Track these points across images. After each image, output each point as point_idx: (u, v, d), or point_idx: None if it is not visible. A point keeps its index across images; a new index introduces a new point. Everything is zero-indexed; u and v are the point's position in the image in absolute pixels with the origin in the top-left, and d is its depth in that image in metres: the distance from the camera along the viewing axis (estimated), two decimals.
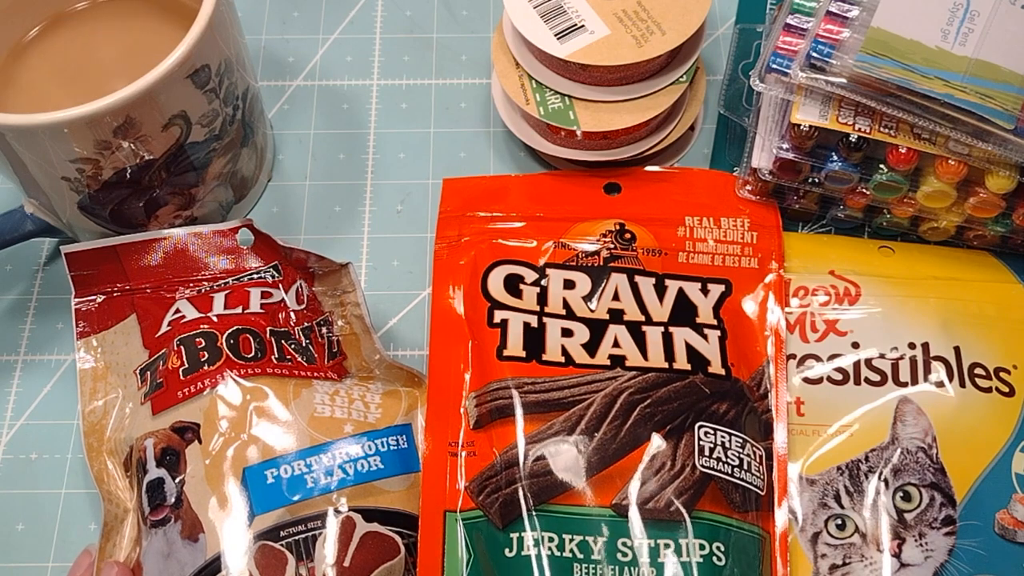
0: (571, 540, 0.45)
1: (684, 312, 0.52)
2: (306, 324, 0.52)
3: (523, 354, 0.50)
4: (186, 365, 0.49)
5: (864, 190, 0.52)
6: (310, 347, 0.51)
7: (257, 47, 0.64)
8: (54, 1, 0.55)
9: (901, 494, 0.48)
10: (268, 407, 0.48)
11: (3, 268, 0.58)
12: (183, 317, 0.51)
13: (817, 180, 0.52)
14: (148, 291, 0.53)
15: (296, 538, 0.45)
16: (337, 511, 0.46)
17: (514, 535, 0.46)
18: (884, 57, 0.49)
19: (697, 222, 0.55)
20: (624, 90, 0.54)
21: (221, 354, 0.49)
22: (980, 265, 0.55)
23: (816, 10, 0.52)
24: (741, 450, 0.48)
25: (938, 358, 0.51)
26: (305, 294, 0.53)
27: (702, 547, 0.45)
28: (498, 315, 0.51)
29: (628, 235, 0.54)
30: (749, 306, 0.53)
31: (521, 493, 0.46)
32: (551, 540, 0.45)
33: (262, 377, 0.49)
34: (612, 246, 0.54)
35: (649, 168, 0.58)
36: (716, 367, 0.50)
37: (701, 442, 0.48)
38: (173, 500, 0.46)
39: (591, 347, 0.50)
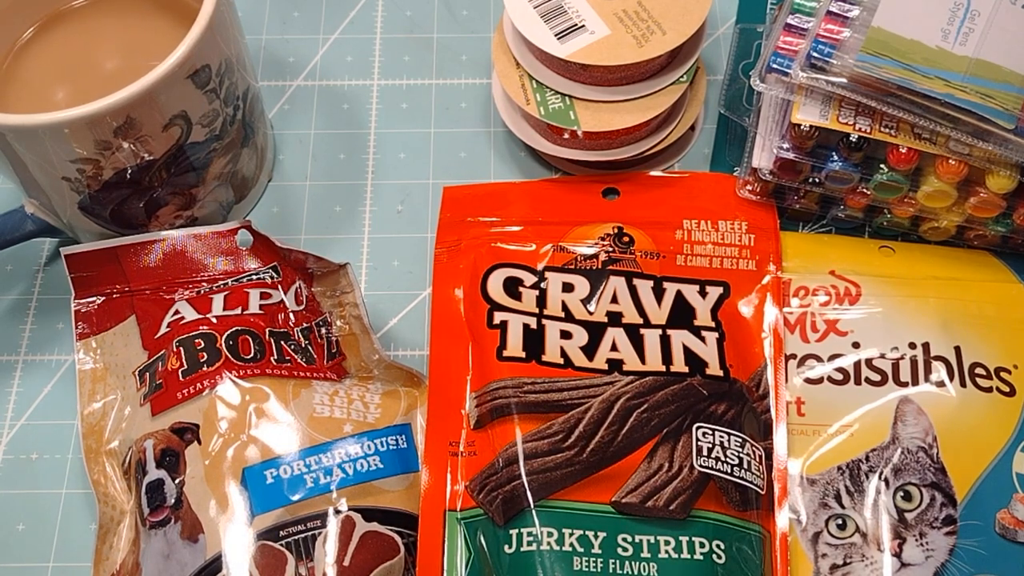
0: (571, 534, 0.45)
1: (682, 314, 0.52)
2: (305, 325, 0.52)
3: (523, 354, 0.50)
4: (185, 366, 0.49)
5: (864, 190, 0.52)
6: (309, 348, 0.51)
7: (257, 47, 0.64)
8: None
9: (902, 494, 0.48)
10: (267, 408, 0.48)
11: (3, 268, 0.58)
12: (182, 318, 0.51)
13: (817, 180, 0.52)
14: (147, 292, 0.53)
15: (296, 538, 0.45)
16: (337, 511, 0.46)
17: (513, 531, 0.46)
18: (884, 57, 0.49)
19: (695, 225, 0.55)
20: (624, 90, 0.54)
21: (220, 355, 0.49)
22: (980, 265, 0.55)
23: (816, 10, 0.52)
24: (740, 449, 0.48)
25: (938, 358, 0.51)
26: (304, 295, 0.53)
27: (702, 545, 0.45)
28: (497, 316, 0.51)
29: (626, 238, 0.54)
30: (747, 308, 0.53)
31: (521, 490, 0.46)
32: (550, 535, 0.45)
33: (261, 378, 0.49)
34: (610, 249, 0.54)
35: (647, 173, 0.58)
36: (714, 369, 0.50)
37: (699, 443, 0.48)
38: (173, 501, 0.46)
39: (589, 350, 0.50)
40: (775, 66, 0.51)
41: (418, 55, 0.64)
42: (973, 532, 0.47)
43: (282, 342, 0.50)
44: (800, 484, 0.49)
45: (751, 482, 0.48)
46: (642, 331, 0.51)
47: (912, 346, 0.51)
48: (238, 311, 0.51)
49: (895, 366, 0.51)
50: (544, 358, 0.50)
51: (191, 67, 0.48)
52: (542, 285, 0.53)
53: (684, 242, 0.54)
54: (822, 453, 0.49)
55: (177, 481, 0.46)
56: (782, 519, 0.48)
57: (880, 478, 0.48)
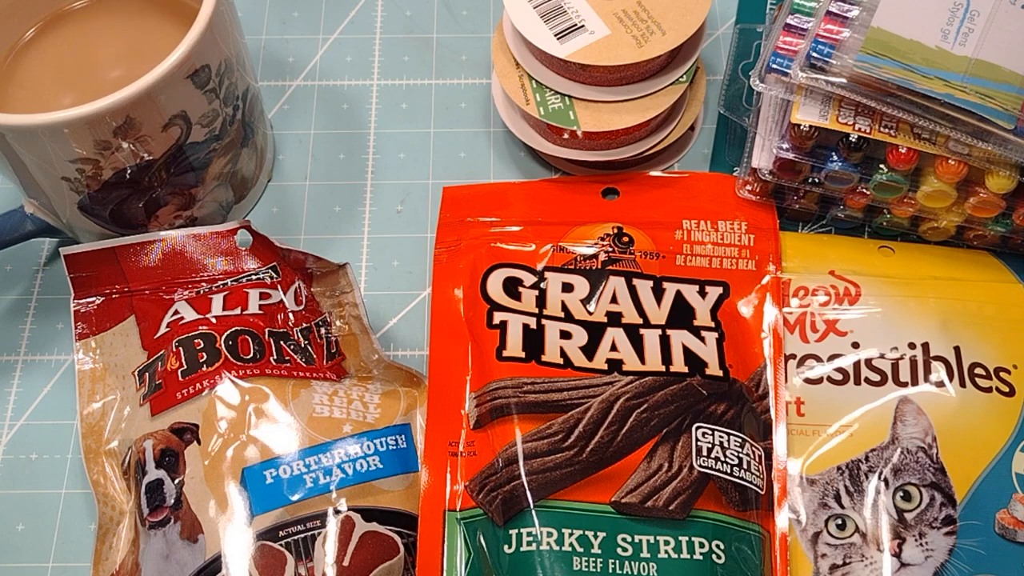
0: (570, 534, 0.45)
1: (682, 315, 0.52)
2: (304, 325, 0.52)
3: (522, 355, 0.50)
4: (184, 366, 0.49)
5: (864, 190, 0.52)
6: (308, 348, 0.51)
7: (257, 47, 0.64)
8: None
9: (901, 494, 0.48)
10: (267, 408, 0.48)
11: (3, 268, 0.58)
12: (182, 318, 0.51)
13: (817, 180, 0.52)
14: (147, 292, 0.53)
15: (295, 538, 0.45)
16: (336, 511, 0.46)
17: (513, 531, 0.46)
18: (884, 57, 0.49)
19: (695, 225, 0.55)
20: (624, 90, 0.54)
21: (220, 355, 0.49)
22: (980, 265, 0.54)
23: (816, 10, 0.52)
24: (740, 450, 0.48)
25: (938, 358, 0.51)
26: (303, 295, 0.53)
27: (701, 545, 0.45)
28: (497, 317, 0.51)
29: (626, 238, 0.54)
30: (746, 308, 0.53)
31: (521, 490, 0.46)
32: (550, 535, 0.45)
33: (261, 378, 0.49)
34: (610, 249, 0.54)
35: (647, 173, 0.58)
36: (714, 369, 0.50)
37: (699, 443, 0.48)
38: (172, 501, 0.46)
39: (589, 350, 0.50)
40: (775, 66, 0.51)
41: (418, 55, 0.64)
42: (973, 532, 0.47)
43: (281, 342, 0.50)
44: (800, 484, 0.49)
45: (751, 482, 0.48)
46: (642, 331, 0.51)
47: (912, 346, 0.51)
48: (237, 311, 0.51)
49: (895, 366, 0.51)
50: (544, 358, 0.50)
51: (191, 67, 0.48)
52: (542, 285, 0.53)
53: (684, 242, 0.54)
54: (822, 453, 0.49)
55: (176, 481, 0.47)
56: (782, 519, 0.48)
57: (880, 478, 0.48)
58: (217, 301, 0.51)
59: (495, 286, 0.53)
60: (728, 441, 0.48)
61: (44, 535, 0.51)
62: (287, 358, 0.50)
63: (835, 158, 0.51)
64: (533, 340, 0.51)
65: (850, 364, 0.51)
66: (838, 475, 0.49)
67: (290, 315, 0.52)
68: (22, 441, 0.53)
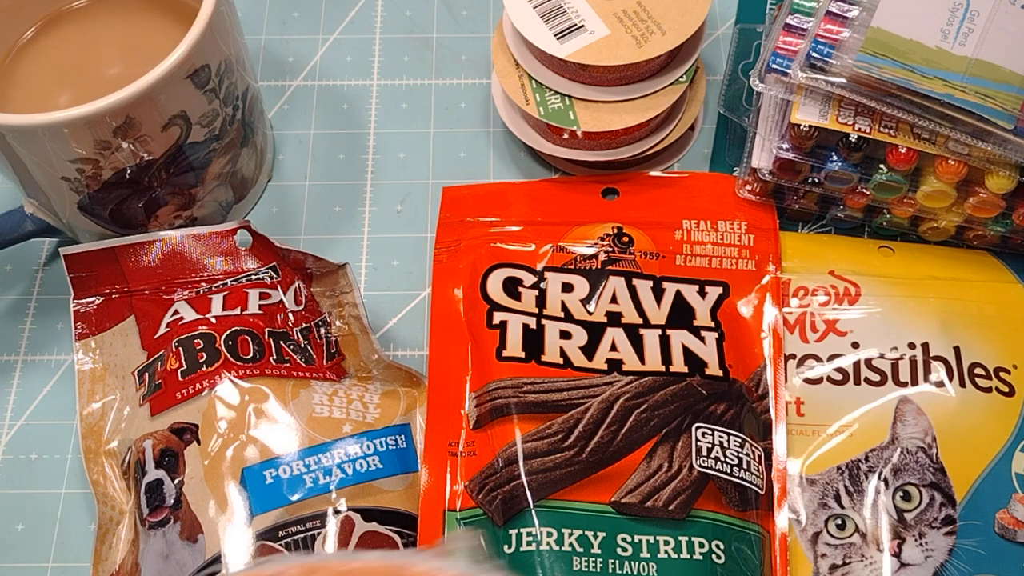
0: (570, 534, 0.45)
1: (681, 315, 0.52)
2: (304, 325, 0.52)
3: (522, 355, 0.50)
4: (184, 366, 0.49)
5: (864, 190, 0.52)
6: (308, 348, 0.51)
7: (257, 47, 0.64)
8: None
9: (901, 494, 0.48)
10: (266, 408, 0.48)
11: (3, 268, 0.58)
12: (181, 318, 0.51)
13: (817, 180, 0.52)
14: (146, 292, 0.53)
15: (295, 538, 0.45)
16: (336, 511, 0.46)
17: (513, 531, 0.46)
18: (884, 57, 0.49)
19: (694, 225, 0.55)
20: (624, 90, 0.54)
21: (219, 355, 0.49)
22: (980, 265, 0.54)
23: (816, 10, 0.52)
24: (740, 449, 0.48)
25: (938, 358, 0.51)
26: (303, 295, 0.53)
27: (701, 545, 0.45)
28: (497, 317, 0.51)
29: (626, 238, 0.54)
30: (746, 308, 0.53)
31: (520, 490, 0.46)
32: (549, 535, 0.45)
33: (260, 378, 0.49)
34: (610, 249, 0.54)
35: (647, 173, 0.58)
36: (713, 369, 0.50)
37: (699, 443, 0.48)
38: (172, 501, 0.46)
39: (589, 350, 0.50)
40: (774, 66, 0.51)
41: (418, 55, 0.64)
42: (972, 532, 0.47)
43: (281, 342, 0.50)
44: (799, 484, 0.49)
45: (750, 482, 0.48)
46: (641, 331, 0.51)
47: (911, 346, 0.51)
48: (237, 311, 0.51)
49: (894, 366, 0.51)
50: (543, 358, 0.50)
51: (191, 67, 0.48)
52: (541, 285, 0.53)
53: (683, 242, 0.54)
54: (821, 453, 0.49)
55: (176, 481, 0.47)
56: (781, 519, 0.48)
57: (879, 478, 0.48)
58: (217, 301, 0.51)
59: (495, 286, 0.53)
60: (728, 441, 0.48)
61: (44, 535, 0.51)
62: (287, 358, 0.50)
63: (835, 158, 0.51)
64: (533, 340, 0.51)
65: (850, 364, 0.51)
66: (838, 475, 0.49)
67: (290, 315, 0.52)
68: (22, 441, 0.53)
